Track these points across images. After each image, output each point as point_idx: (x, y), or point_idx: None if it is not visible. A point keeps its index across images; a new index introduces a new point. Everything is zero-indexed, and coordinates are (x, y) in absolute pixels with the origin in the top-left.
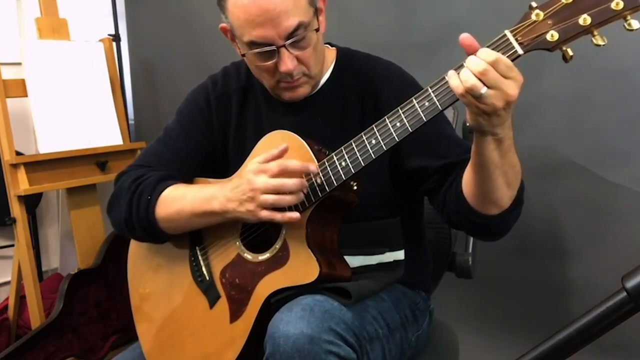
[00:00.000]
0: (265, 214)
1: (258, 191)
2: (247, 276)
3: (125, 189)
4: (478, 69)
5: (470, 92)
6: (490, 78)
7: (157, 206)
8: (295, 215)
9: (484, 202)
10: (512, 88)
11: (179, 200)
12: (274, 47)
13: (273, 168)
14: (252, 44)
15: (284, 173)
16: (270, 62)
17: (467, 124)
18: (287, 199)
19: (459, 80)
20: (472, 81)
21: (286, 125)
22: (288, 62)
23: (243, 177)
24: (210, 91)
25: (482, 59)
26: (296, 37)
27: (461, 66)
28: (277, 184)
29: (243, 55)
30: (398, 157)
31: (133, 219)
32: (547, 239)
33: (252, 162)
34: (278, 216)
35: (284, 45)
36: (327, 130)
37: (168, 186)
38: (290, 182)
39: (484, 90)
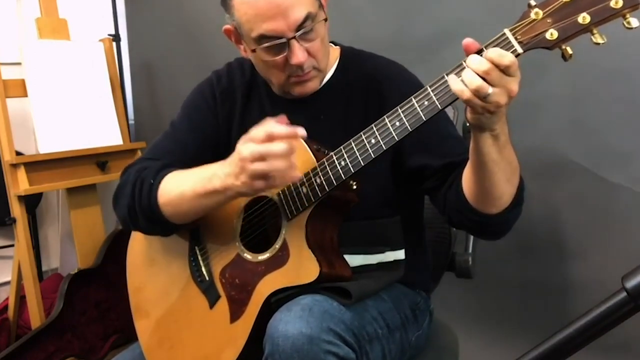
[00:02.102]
0: (259, 184)
1: (246, 160)
2: (247, 276)
3: (129, 180)
4: (482, 69)
5: (477, 94)
6: (494, 77)
7: (160, 191)
8: (297, 174)
9: (484, 201)
10: (514, 84)
11: (180, 183)
12: (284, 40)
13: (259, 134)
14: (261, 38)
15: (270, 139)
16: (281, 56)
17: (467, 124)
18: (278, 164)
19: (462, 84)
20: (478, 82)
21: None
22: (299, 53)
23: (235, 150)
24: (215, 85)
25: (486, 58)
26: (305, 28)
27: (460, 66)
28: (262, 150)
29: (253, 50)
30: (400, 155)
31: (136, 207)
32: (547, 239)
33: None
34: (278, 181)
35: (294, 37)
36: (330, 129)
37: (170, 172)
38: (276, 146)
39: (490, 90)
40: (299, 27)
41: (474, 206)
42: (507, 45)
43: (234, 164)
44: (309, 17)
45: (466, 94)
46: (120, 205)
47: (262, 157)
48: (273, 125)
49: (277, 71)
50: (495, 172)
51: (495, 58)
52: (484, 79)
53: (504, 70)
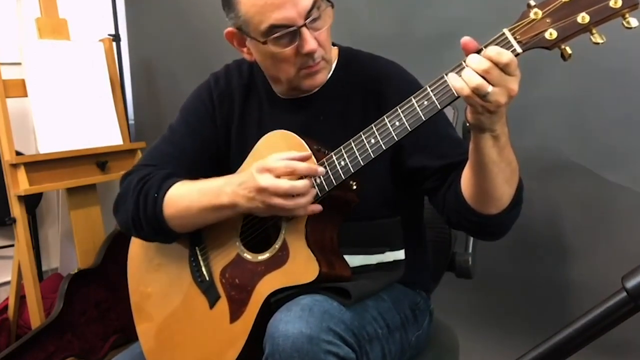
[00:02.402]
0: (276, 212)
1: (266, 192)
2: (247, 276)
3: (131, 189)
4: (482, 67)
5: (476, 92)
6: (494, 76)
7: (165, 204)
8: (317, 207)
9: (483, 202)
10: (514, 83)
11: (187, 196)
12: (295, 28)
13: (280, 168)
14: (272, 29)
15: (290, 175)
16: (291, 47)
17: (467, 124)
18: (301, 202)
19: (462, 81)
20: (477, 81)
21: (288, 123)
22: (311, 41)
23: (248, 173)
24: (213, 88)
25: (485, 56)
26: (313, 15)
27: (460, 66)
28: (288, 188)
29: (264, 43)
30: (399, 156)
31: (140, 218)
32: (547, 239)
33: (261, 160)
34: (301, 212)
35: (304, 25)
36: (329, 129)
37: (174, 183)
38: (301, 185)
39: (490, 88)
40: (308, 15)
41: (472, 207)
42: (506, 45)
43: (248, 188)
44: (315, 4)
45: (466, 90)
46: (122, 215)
47: (286, 194)
48: (292, 155)
49: (287, 65)
50: (495, 173)
51: (494, 56)
52: (484, 77)
53: (503, 68)
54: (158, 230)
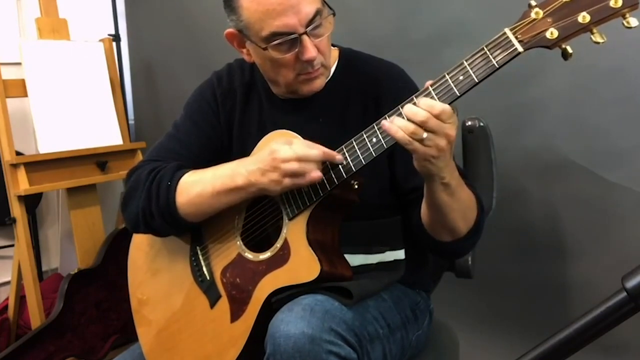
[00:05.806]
0: (288, 181)
1: (279, 160)
2: (248, 275)
3: (142, 181)
4: (417, 119)
5: (413, 137)
6: (431, 125)
7: (178, 192)
8: (318, 174)
9: (437, 231)
10: (451, 129)
11: (200, 182)
12: (295, 36)
13: (300, 142)
14: (273, 36)
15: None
16: (291, 53)
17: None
18: (309, 167)
19: (398, 127)
20: (411, 128)
21: (288, 124)
22: (311, 49)
23: (265, 149)
24: (216, 87)
25: (423, 109)
26: (315, 23)
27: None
28: (301, 153)
29: (265, 49)
30: (394, 180)
31: (152, 207)
32: (547, 239)
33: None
34: (302, 180)
35: (305, 33)
36: (328, 130)
37: (186, 172)
38: (314, 152)
39: (425, 134)
40: (310, 23)
41: (429, 232)
42: (507, 45)
43: (264, 162)
44: (317, 13)
45: (400, 134)
46: (132, 209)
47: (298, 159)
48: (317, 145)
49: (287, 70)
50: (448, 213)
51: (427, 107)
52: (420, 125)
53: (437, 117)
54: (169, 220)
